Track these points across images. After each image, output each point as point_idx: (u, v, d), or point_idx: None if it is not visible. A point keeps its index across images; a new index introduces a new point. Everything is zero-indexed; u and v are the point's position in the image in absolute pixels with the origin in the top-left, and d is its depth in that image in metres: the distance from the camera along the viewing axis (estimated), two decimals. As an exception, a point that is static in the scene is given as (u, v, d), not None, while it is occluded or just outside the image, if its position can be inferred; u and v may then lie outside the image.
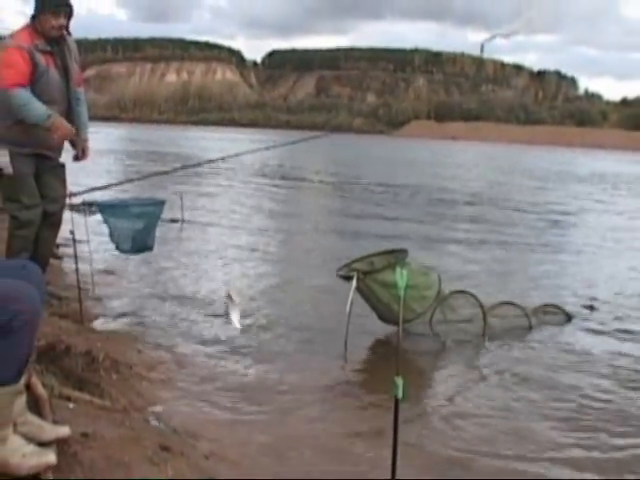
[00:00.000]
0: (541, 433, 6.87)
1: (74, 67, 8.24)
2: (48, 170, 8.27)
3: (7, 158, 7.88)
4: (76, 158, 8.65)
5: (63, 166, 8.47)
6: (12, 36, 7.79)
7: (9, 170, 7.89)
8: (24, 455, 3.95)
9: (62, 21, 7.92)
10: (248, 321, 9.91)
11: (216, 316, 10.13)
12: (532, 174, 53.63)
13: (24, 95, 7.60)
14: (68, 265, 11.57)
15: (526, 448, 6.49)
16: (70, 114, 8.22)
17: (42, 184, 8.18)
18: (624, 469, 6.22)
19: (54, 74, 7.92)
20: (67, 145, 8.54)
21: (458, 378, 8.42)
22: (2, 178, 8.08)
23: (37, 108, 7.67)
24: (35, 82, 7.78)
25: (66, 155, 8.61)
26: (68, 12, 7.99)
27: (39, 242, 8.32)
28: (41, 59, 7.78)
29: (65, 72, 8.08)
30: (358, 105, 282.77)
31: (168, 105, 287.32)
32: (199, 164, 14.10)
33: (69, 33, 8.22)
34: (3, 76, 7.59)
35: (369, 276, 9.20)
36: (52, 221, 8.39)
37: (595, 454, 6.50)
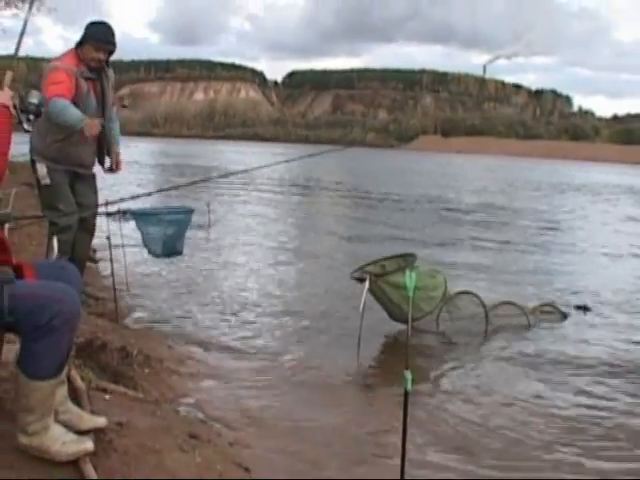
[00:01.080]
0: (538, 420, 6.90)
1: (110, 94, 8.28)
2: (81, 180, 8.30)
3: (45, 170, 7.94)
4: (110, 170, 8.68)
5: (94, 176, 8.50)
6: (60, 59, 7.84)
7: (47, 181, 7.95)
8: (64, 443, 3.95)
9: (102, 56, 7.97)
10: (269, 319, 9.94)
11: (240, 315, 10.14)
12: (530, 185, 53.62)
13: (62, 101, 7.55)
14: (104, 268, 11.58)
15: (521, 431, 6.55)
16: (102, 137, 8.25)
17: (76, 193, 8.21)
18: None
19: (92, 99, 7.97)
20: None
21: (462, 371, 8.44)
22: (41, 188, 8.16)
23: (74, 113, 7.63)
24: (75, 104, 7.78)
25: (97, 167, 8.62)
26: (109, 49, 8.03)
27: (76, 246, 8.33)
28: (83, 84, 7.85)
29: (102, 98, 8.12)
30: (371, 121, 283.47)
31: (196, 121, 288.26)
32: (225, 175, 14.21)
33: (109, 66, 8.25)
34: (49, 90, 7.57)
35: (381, 278, 9.24)
36: (86, 227, 8.41)
37: (586, 434, 6.61)
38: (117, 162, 8.60)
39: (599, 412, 7.26)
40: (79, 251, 8.46)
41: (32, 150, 8.08)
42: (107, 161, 8.64)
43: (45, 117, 7.74)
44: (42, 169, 7.98)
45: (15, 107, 4.10)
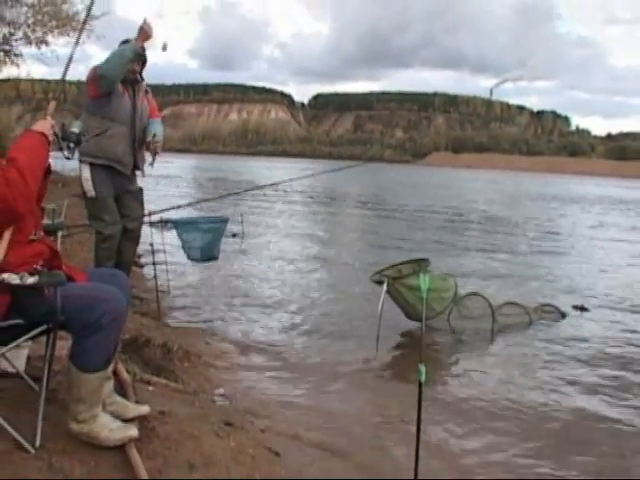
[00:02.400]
0: (536, 406, 6.92)
1: (144, 104, 8.29)
2: (128, 194, 8.33)
3: (90, 183, 7.96)
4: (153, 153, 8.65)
5: (141, 190, 8.52)
6: None
7: (92, 194, 7.97)
8: (111, 430, 3.98)
9: (136, 67, 8.06)
10: (296, 318, 9.95)
11: (271, 314, 10.16)
12: (532, 196, 53.44)
13: (103, 61, 7.65)
14: (148, 272, 11.62)
15: (521, 417, 6.53)
16: (136, 139, 8.29)
17: (123, 205, 8.23)
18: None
19: (127, 101, 7.98)
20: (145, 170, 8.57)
21: (471, 364, 8.44)
22: (87, 200, 8.17)
23: (121, 48, 7.69)
24: (111, 99, 7.88)
25: (141, 180, 8.64)
26: (142, 60, 8.09)
27: (122, 253, 8.37)
28: (119, 86, 7.89)
29: (134, 102, 8.14)
30: (388, 139, 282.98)
31: (231, 139, 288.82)
32: (257, 188, 14.21)
33: (142, 78, 8.29)
34: (91, 71, 7.74)
35: (397, 281, 9.25)
36: (132, 236, 8.43)
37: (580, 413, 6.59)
38: (155, 150, 8.53)
39: (587, 386, 7.36)
40: (125, 257, 8.49)
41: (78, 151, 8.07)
42: (146, 162, 8.64)
43: (87, 114, 7.89)
44: (87, 181, 7.99)
45: (56, 135, 4.10)
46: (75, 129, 4.22)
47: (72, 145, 4.22)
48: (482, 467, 5.56)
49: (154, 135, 8.25)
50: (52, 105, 4.15)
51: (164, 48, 8.75)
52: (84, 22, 4.78)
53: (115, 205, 8.17)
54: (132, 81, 8.07)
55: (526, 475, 5.46)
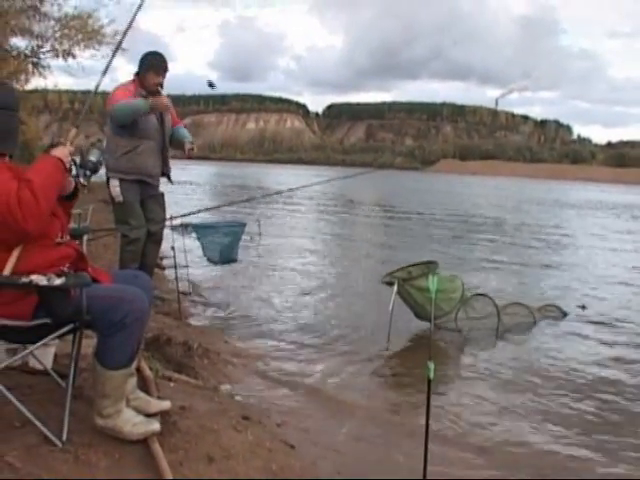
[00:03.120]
0: (536, 398, 6.97)
1: (167, 115, 8.34)
2: (151, 198, 8.35)
3: (118, 189, 7.99)
4: (188, 157, 8.71)
5: (163, 195, 8.54)
6: (123, 84, 7.95)
7: (120, 199, 8.00)
8: (134, 424, 3.99)
9: (161, 79, 8.09)
10: (311, 318, 9.95)
11: (286, 314, 10.17)
12: (535, 201, 53.34)
13: (124, 101, 7.71)
14: (169, 274, 11.63)
15: (524, 407, 6.53)
16: (164, 150, 8.33)
17: (147, 209, 8.25)
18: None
19: (152, 116, 8.03)
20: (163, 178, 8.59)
21: (477, 362, 8.45)
22: (115, 205, 8.21)
23: (136, 102, 7.79)
24: (137, 119, 7.90)
25: (164, 187, 8.66)
26: (165, 73, 8.14)
27: (145, 255, 8.39)
28: None
29: (160, 117, 8.19)
30: (398, 147, 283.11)
31: (248, 147, 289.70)
32: (273, 194, 14.25)
33: (162, 88, 8.35)
34: (108, 105, 7.79)
35: (407, 282, 9.25)
36: (154, 239, 8.45)
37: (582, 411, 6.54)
38: (188, 150, 8.58)
39: (587, 382, 7.32)
40: (148, 260, 8.51)
41: (106, 168, 8.10)
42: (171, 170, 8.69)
43: (114, 134, 7.92)
44: (115, 187, 8.02)
45: (74, 162, 4.11)
46: (93, 158, 4.22)
47: (89, 173, 4.22)
48: (489, 462, 5.56)
49: (192, 142, 8.37)
50: (72, 132, 4.16)
51: (211, 85, 8.94)
52: (120, 41, 4.76)
53: (141, 210, 8.22)
54: (155, 93, 8.13)
55: (535, 470, 5.45)
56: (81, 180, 4.18)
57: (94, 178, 4.29)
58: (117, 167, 7.95)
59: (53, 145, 4.17)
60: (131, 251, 8.16)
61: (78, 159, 4.16)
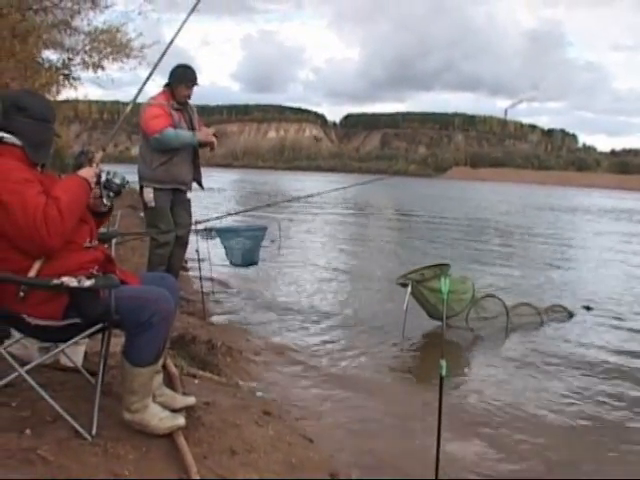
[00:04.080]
0: (544, 394, 6.93)
1: (196, 120, 8.42)
2: (179, 204, 8.40)
3: (152, 195, 8.09)
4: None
5: (189, 201, 8.59)
6: (153, 98, 8.01)
7: (152, 204, 8.10)
8: (161, 419, 4.00)
9: (191, 92, 8.22)
10: (329, 318, 9.96)
11: (305, 314, 10.18)
12: (543, 207, 53.18)
13: (173, 131, 7.89)
14: (194, 276, 11.65)
15: (533, 402, 6.55)
16: (195, 157, 8.41)
17: (174, 214, 8.31)
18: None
19: (184, 126, 8.13)
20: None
21: (487, 360, 8.48)
22: (147, 210, 8.31)
23: (185, 135, 8.02)
24: None
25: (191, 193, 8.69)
26: (195, 85, 8.22)
27: (172, 258, 8.45)
28: (175, 114, 8.03)
29: (191, 124, 8.25)
30: (412, 155, 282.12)
31: (269, 155, 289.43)
32: (293, 199, 14.29)
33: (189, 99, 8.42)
34: (153, 125, 7.87)
35: (421, 284, 9.29)
36: (181, 242, 8.51)
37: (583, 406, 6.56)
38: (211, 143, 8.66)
39: (589, 374, 7.35)
40: (174, 262, 8.55)
41: (140, 178, 8.27)
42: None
43: (149, 146, 7.99)
44: (148, 194, 8.14)
45: (99, 183, 4.14)
46: (117, 180, 4.24)
47: (112, 195, 4.25)
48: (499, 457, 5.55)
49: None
50: (99, 156, 4.19)
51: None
52: (158, 61, 4.79)
53: (171, 215, 8.27)
54: (184, 104, 8.20)
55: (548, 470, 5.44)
56: (104, 201, 4.21)
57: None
58: (153, 177, 8.10)
59: (83, 152, 4.19)
60: (160, 254, 8.23)
61: (103, 180, 4.20)
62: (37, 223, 3.51)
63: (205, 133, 8.31)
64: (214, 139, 8.39)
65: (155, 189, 8.11)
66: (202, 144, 8.33)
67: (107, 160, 4.28)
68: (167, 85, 8.12)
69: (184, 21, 5.06)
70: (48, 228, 3.53)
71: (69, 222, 3.66)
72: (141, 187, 8.24)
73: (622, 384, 7.59)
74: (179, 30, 5.01)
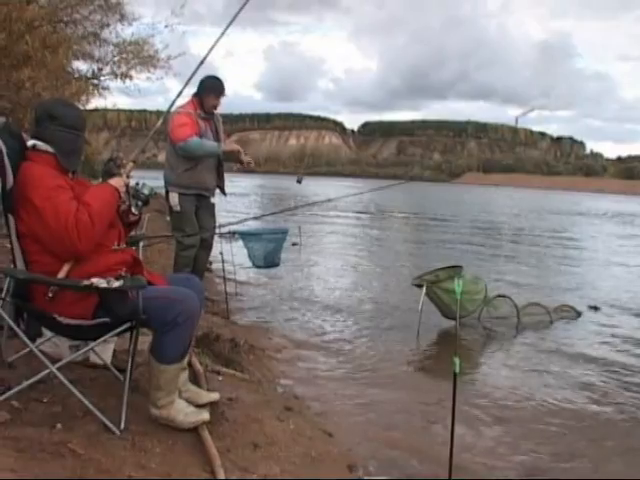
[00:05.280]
0: (553, 390, 6.91)
1: (221, 130, 8.47)
2: (204, 208, 8.44)
3: (177, 199, 8.12)
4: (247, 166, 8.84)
5: (214, 205, 8.63)
6: (181, 106, 8.06)
7: (178, 208, 8.13)
8: (186, 414, 4.01)
9: (218, 102, 8.27)
10: (348, 318, 9.96)
11: (325, 313, 10.18)
12: (552, 210, 53.09)
13: (198, 140, 7.92)
14: (218, 277, 11.66)
15: (542, 396, 6.49)
16: (219, 165, 8.45)
17: (199, 218, 8.34)
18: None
19: (210, 135, 8.19)
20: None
21: (499, 357, 8.49)
22: (172, 214, 8.35)
23: (209, 145, 8.04)
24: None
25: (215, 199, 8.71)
26: (223, 96, 8.32)
27: (197, 260, 8.47)
28: (202, 123, 8.07)
29: (217, 133, 8.30)
30: (427, 161, 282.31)
31: (290, 161, 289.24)
32: (315, 203, 14.24)
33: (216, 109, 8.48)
34: (179, 133, 7.90)
35: (435, 285, 9.29)
36: (205, 245, 8.54)
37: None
38: (247, 163, 8.72)
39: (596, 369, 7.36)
40: (199, 265, 8.58)
41: (166, 182, 8.31)
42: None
43: (175, 153, 8.03)
44: (174, 198, 8.17)
45: (128, 192, 4.17)
46: (145, 191, 4.27)
47: (140, 204, 4.27)
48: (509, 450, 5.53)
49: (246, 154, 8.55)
50: (130, 166, 4.21)
51: (299, 181, 9.22)
52: (191, 75, 4.85)
53: (195, 219, 8.31)
54: (211, 113, 8.25)
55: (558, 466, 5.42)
56: (133, 209, 4.24)
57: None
58: (178, 182, 8.14)
59: (112, 159, 4.21)
60: (185, 256, 8.26)
61: (132, 190, 4.23)
62: (68, 228, 3.55)
63: (232, 148, 8.41)
64: (239, 148, 8.47)
65: (180, 194, 8.14)
66: (228, 156, 8.41)
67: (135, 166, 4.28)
68: (195, 95, 8.17)
69: (221, 34, 5.08)
70: (79, 233, 3.58)
71: (99, 227, 3.69)
72: (167, 191, 8.28)
73: (631, 380, 7.58)
74: (216, 42, 5.03)
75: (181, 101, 8.19)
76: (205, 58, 5.06)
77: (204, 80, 8.17)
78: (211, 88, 8.17)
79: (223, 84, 8.33)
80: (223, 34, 5.16)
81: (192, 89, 8.17)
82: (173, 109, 8.01)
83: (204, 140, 8.00)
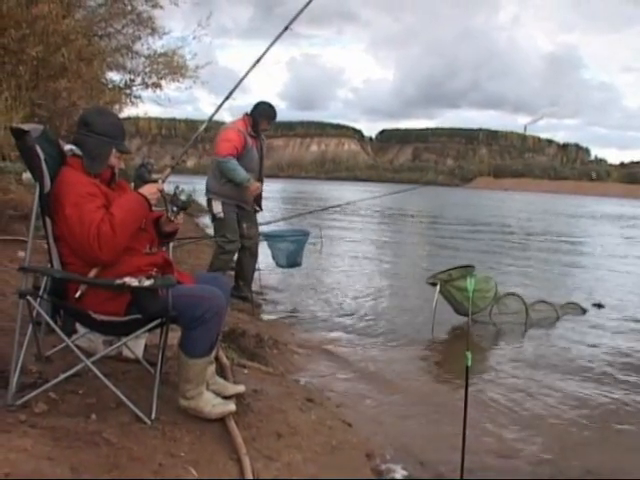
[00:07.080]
0: (560, 382, 6.85)
1: (265, 151, 8.70)
2: (246, 216, 8.66)
3: (220, 207, 8.47)
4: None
5: (255, 213, 8.82)
6: (233, 122, 8.31)
7: (221, 215, 8.50)
8: (213, 405, 4.02)
9: (269, 127, 8.76)
10: (366, 314, 9.95)
11: (345, 311, 10.17)
12: (559, 213, 52.91)
13: (234, 162, 8.19)
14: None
15: (550, 387, 6.45)
16: (260, 182, 8.73)
17: (242, 226, 8.61)
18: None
19: (255, 152, 8.51)
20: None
21: (508, 352, 8.44)
22: (215, 220, 8.68)
23: (241, 173, 8.26)
24: (244, 155, 8.36)
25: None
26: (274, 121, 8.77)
27: (244, 267, 8.99)
28: (249, 140, 8.37)
29: (261, 152, 8.48)
30: (441, 167, 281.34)
31: (311, 167, 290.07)
32: (335, 206, 14.31)
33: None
34: (221, 147, 8.24)
35: (448, 283, 9.30)
36: (251, 252, 8.97)
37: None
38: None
39: (600, 364, 7.24)
40: (246, 271, 9.04)
41: (208, 190, 8.62)
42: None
43: (215, 167, 8.28)
44: (217, 206, 8.50)
45: (164, 198, 4.17)
46: (183, 197, 4.23)
47: (175, 209, 4.25)
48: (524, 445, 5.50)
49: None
50: (167, 172, 4.22)
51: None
52: (229, 94, 4.97)
53: (237, 226, 8.63)
54: (259, 134, 8.47)
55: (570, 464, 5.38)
56: (168, 215, 4.23)
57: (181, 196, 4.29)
58: (221, 192, 8.46)
59: (144, 165, 4.24)
60: (223, 260, 8.64)
61: (170, 195, 4.23)
62: (90, 237, 3.58)
63: (256, 187, 8.57)
64: (260, 191, 8.79)
65: (223, 202, 8.44)
66: (250, 193, 8.62)
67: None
68: (249, 115, 8.50)
69: (270, 45, 5.25)
70: (100, 243, 3.61)
71: (121, 238, 3.69)
72: (209, 199, 8.59)
73: (632, 376, 7.50)
74: (262, 56, 5.18)
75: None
76: (242, 80, 5.23)
77: (260, 104, 8.57)
78: (267, 115, 8.56)
79: (275, 111, 8.67)
80: (259, 60, 5.33)
81: (218, 97, 8.25)
82: (220, 119, 8.31)
83: (239, 168, 8.25)
